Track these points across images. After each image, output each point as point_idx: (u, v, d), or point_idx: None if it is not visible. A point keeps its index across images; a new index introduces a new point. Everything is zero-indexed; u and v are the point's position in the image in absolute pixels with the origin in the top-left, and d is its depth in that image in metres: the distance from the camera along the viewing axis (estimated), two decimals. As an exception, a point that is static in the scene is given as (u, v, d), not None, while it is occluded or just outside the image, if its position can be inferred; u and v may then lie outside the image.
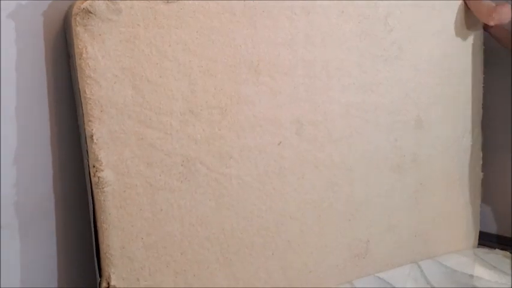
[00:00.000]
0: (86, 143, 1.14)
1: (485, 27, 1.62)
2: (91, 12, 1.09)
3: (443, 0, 1.52)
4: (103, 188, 1.14)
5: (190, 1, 1.19)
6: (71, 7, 1.15)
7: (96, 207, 1.15)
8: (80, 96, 1.12)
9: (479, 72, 1.74)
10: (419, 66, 1.58)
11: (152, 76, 1.18)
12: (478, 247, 1.84)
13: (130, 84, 1.15)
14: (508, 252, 1.83)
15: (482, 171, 1.83)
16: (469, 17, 1.65)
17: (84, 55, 1.10)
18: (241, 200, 1.31)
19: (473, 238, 1.81)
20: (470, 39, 1.69)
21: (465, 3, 1.63)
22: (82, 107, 1.13)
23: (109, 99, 1.13)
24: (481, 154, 1.80)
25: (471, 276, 1.61)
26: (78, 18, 1.08)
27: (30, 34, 1.20)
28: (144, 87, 1.17)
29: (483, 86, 1.78)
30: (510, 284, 1.61)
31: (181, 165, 1.23)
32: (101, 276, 1.18)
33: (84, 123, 1.14)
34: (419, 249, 1.66)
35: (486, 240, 1.91)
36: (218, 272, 1.30)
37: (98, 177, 1.14)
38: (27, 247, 1.25)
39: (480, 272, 1.61)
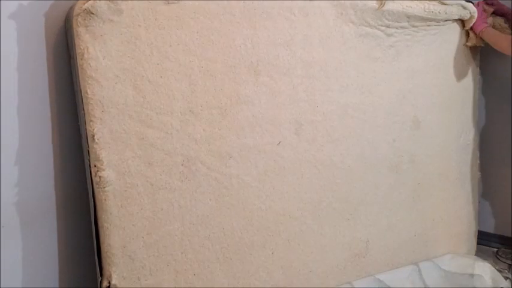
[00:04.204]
0: (87, 143, 1.14)
1: (476, 32, 1.64)
2: (92, 13, 1.10)
3: (440, 4, 1.53)
4: (104, 187, 1.15)
5: (190, 2, 1.20)
6: (72, 8, 1.16)
7: (97, 206, 1.16)
8: (81, 97, 1.13)
9: (475, 73, 1.75)
10: (416, 67, 1.60)
11: (153, 76, 1.19)
12: (477, 247, 1.84)
13: (131, 85, 1.16)
14: (508, 252, 1.84)
15: (481, 171, 1.84)
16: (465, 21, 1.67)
17: (85, 55, 1.11)
18: (241, 200, 1.32)
19: (472, 237, 1.82)
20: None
21: (475, 34, 1.64)
22: (83, 107, 1.13)
23: (110, 99, 1.14)
24: (478, 154, 1.82)
25: (471, 275, 1.61)
26: (79, 19, 1.09)
27: (32, 35, 1.20)
28: (144, 87, 1.18)
29: (482, 87, 1.79)
30: (511, 284, 1.62)
31: (182, 164, 1.24)
32: (102, 275, 1.18)
33: (85, 123, 1.14)
34: (419, 249, 1.67)
35: (486, 239, 1.92)
36: (218, 271, 1.30)
37: (99, 177, 1.14)
38: (28, 247, 1.25)
39: (480, 271, 1.62)
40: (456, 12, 1.57)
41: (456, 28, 1.64)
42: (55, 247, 1.33)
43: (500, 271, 1.68)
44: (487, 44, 1.65)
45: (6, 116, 1.17)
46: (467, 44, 1.68)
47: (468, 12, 1.59)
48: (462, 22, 1.64)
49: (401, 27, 1.51)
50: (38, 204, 1.27)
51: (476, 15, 1.60)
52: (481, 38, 1.64)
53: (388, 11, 1.45)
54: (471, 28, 1.64)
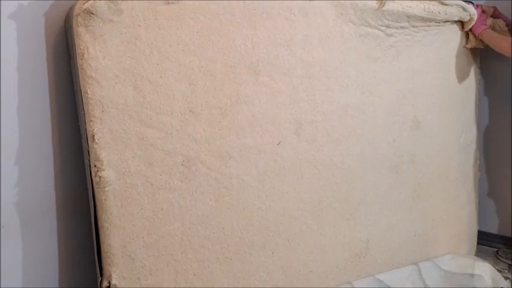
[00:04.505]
0: (87, 143, 1.14)
1: (475, 34, 1.64)
2: (92, 13, 1.10)
3: (440, 5, 1.53)
4: (104, 187, 1.15)
5: (190, 2, 1.20)
6: (72, 8, 1.16)
7: (97, 206, 1.16)
8: (81, 97, 1.13)
9: (475, 73, 1.75)
10: (416, 67, 1.60)
11: (153, 76, 1.19)
12: (477, 247, 1.84)
13: (131, 85, 1.17)
14: (508, 252, 1.84)
15: (482, 171, 1.84)
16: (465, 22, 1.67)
17: (85, 55, 1.11)
18: (241, 200, 1.32)
19: (472, 237, 1.82)
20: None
21: (474, 36, 1.64)
22: (83, 107, 1.13)
23: (110, 100, 1.14)
24: (478, 154, 1.81)
25: (471, 275, 1.61)
26: (79, 19, 1.09)
27: (32, 35, 1.20)
28: (144, 87, 1.18)
29: (483, 86, 1.79)
30: (511, 284, 1.62)
31: (182, 164, 1.24)
32: (101, 275, 1.18)
33: (85, 123, 1.14)
34: (419, 249, 1.67)
35: (486, 239, 1.92)
36: (218, 271, 1.30)
37: (99, 177, 1.14)
38: (28, 247, 1.25)
39: (480, 271, 1.62)
40: (456, 13, 1.57)
41: (456, 29, 1.64)
42: (55, 247, 1.33)
43: (500, 271, 1.68)
44: (486, 46, 1.65)
45: (6, 116, 1.17)
46: (467, 46, 1.68)
47: (468, 14, 1.59)
48: (462, 24, 1.65)
49: (402, 28, 1.51)
50: (38, 204, 1.27)
51: (475, 17, 1.60)
52: (480, 40, 1.64)
53: (388, 11, 1.45)
54: (470, 30, 1.64)
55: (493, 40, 1.59)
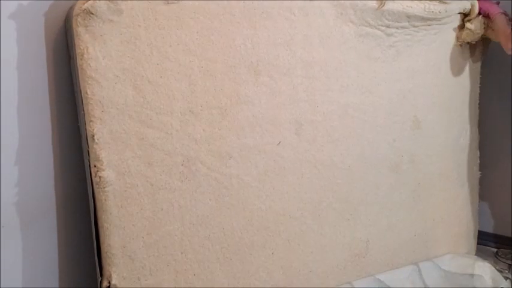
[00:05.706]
0: (87, 143, 1.14)
1: (492, 17, 1.58)
2: (92, 13, 1.10)
3: (441, 4, 1.53)
4: (104, 187, 1.15)
5: (190, 2, 1.20)
6: (72, 8, 1.16)
7: (97, 206, 1.16)
8: (81, 97, 1.13)
9: (475, 73, 1.75)
10: (417, 67, 1.59)
11: (153, 76, 1.19)
12: (477, 247, 1.84)
13: (131, 85, 1.16)
14: (508, 252, 1.84)
15: (481, 171, 1.84)
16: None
17: (85, 56, 1.11)
18: (241, 200, 1.32)
19: (472, 238, 1.81)
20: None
21: (488, 18, 1.60)
22: (83, 108, 1.13)
23: (110, 100, 1.14)
24: (478, 153, 1.81)
25: (471, 275, 1.61)
26: (79, 19, 1.09)
27: (31, 35, 1.20)
28: (144, 87, 1.18)
29: (482, 85, 1.79)
30: (511, 284, 1.62)
31: (182, 164, 1.24)
32: (101, 275, 1.18)
33: (85, 124, 1.14)
34: (419, 249, 1.67)
35: (485, 239, 1.92)
36: (218, 271, 1.30)
37: (99, 177, 1.14)
38: (28, 247, 1.25)
39: (480, 271, 1.62)
40: (456, 6, 1.57)
41: (457, 28, 1.64)
42: (55, 247, 1.32)
43: (500, 271, 1.68)
44: (485, 43, 1.64)
45: (6, 116, 1.17)
46: (484, 34, 1.63)
47: (468, 2, 1.58)
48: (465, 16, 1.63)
49: (402, 27, 1.51)
50: (38, 204, 1.27)
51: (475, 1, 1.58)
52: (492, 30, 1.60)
53: (388, 10, 1.45)
54: (487, 16, 1.59)
55: (498, 27, 1.54)
